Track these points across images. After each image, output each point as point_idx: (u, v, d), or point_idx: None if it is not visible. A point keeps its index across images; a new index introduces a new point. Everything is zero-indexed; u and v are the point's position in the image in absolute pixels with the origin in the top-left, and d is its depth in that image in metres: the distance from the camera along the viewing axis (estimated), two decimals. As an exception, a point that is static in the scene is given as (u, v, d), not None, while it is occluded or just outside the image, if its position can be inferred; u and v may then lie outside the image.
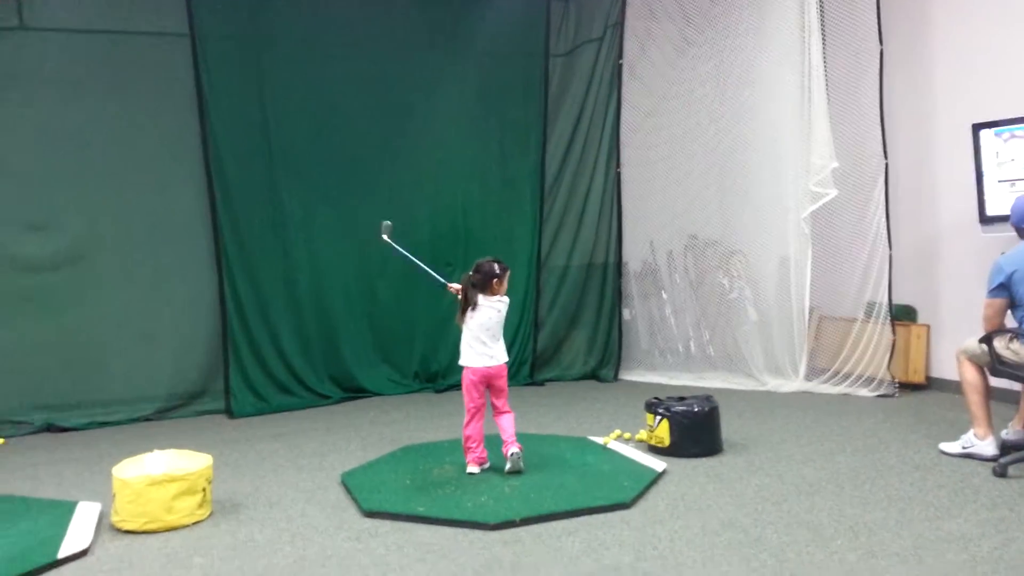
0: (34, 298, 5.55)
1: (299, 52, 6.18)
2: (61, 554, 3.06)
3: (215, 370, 5.96)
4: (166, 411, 5.79)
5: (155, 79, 5.82)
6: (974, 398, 4.01)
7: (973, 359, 4.04)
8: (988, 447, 3.94)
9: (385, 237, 4.39)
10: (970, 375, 4.03)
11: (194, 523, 3.43)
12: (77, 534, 3.28)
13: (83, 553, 3.13)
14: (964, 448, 4.02)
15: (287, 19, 6.15)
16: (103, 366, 5.70)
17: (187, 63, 5.83)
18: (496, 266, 4.05)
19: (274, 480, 4.10)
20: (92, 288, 5.67)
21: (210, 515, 3.53)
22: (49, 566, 2.99)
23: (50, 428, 5.46)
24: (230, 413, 5.81)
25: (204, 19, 5.85)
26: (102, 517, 3.53)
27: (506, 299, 4.07)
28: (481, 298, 4.00)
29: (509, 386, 4.14)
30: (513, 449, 3.95)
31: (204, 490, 3.50)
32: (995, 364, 3.88)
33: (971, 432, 4.02)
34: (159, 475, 3.35)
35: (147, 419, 5.70)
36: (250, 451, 4.74)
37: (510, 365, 6.17)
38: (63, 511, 3.58)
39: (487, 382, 4.02)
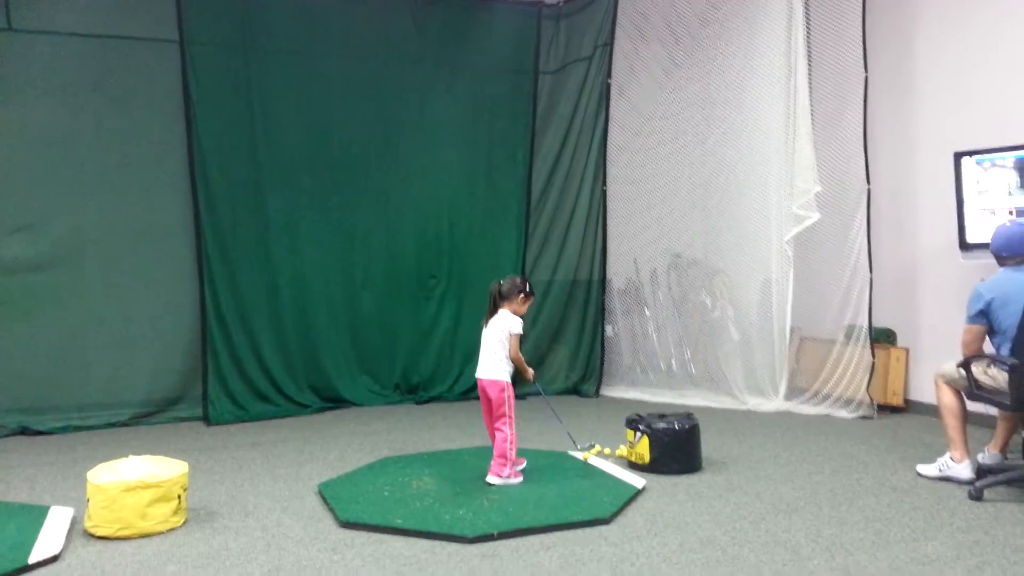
0: (13, 299, 5.49)
1: (288, 61, 6.19)
2: (32, 559, 3.01)
3: (193, 377, 5.91)
4: (143, 417, 5.73)
5: (143, 84, 5.80)
6: (951, 422, 4.03)
7: (951, 383, 4.07)
8: (964, 470, 3.97)
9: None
10: (947, 399, 4.06)
11: (168, 530, 3.39)
12: (49, 539, 3.24)
13: (54, 559, 3.08)
14: (941, 471, 4.05)
15: (277, 28, 6.16)
16: (80, 370, 5.64)
17: (175, 69, 5.83)
18: (528, 284, 4.21)
19: (250, 489, 4.07)
20: (72, 291, 5.62)
21: (185, 523, 3.50)
22: (19, 571, 2.94)
23: (24, 431, 5.39)
24: (207, 420, 5.76)
25: (194, 25, 5.85)
26: (75, 522, 3.49)
27: (516, 321, 4.12)
28: (501, 310, 4.15)
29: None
30: (487, 478, 4.04)
31: (179, 497, 3.46)
32: (972, 389, 3.91)
33: (948, 455, 4.05)
34: (134, 481, 3.32)
35: (123, 424, 5.63)
36: (227, 459, 4.70)
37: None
38: (35, 515, 3.53)
39: (483, 392, 4.13)
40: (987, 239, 4.47)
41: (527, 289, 4.19)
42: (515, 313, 4.14)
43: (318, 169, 6.29)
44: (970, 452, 4.02)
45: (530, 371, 4.26)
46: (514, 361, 4.13)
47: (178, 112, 5.85)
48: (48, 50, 5.56)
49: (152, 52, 5.81)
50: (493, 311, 4.16)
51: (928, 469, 4.12)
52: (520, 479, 4.06)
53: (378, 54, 6.48)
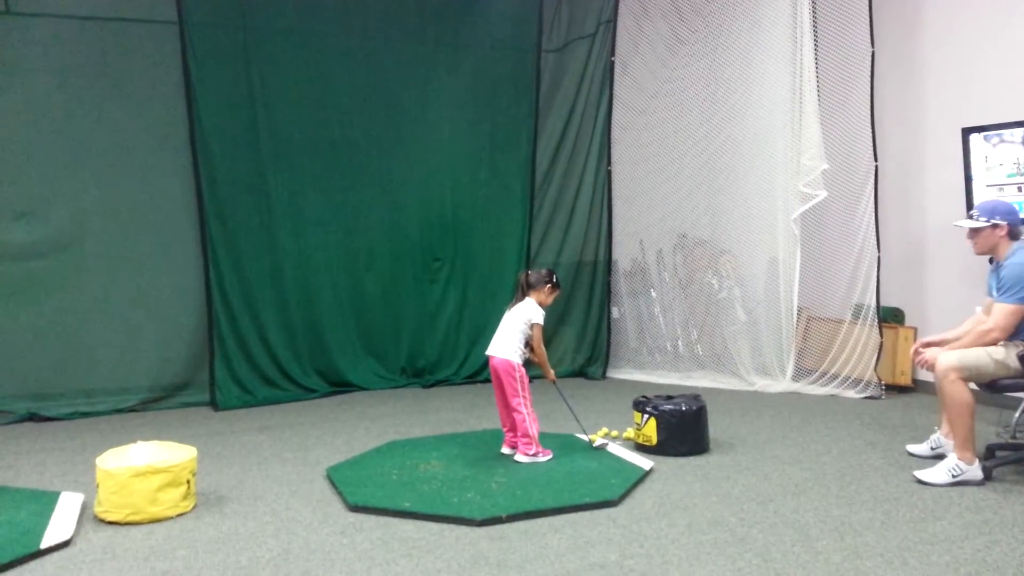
0: (18, 286, 5.49)
1: (289, 41, 6.14)
2: (43, 544, 3.03)
3: (200, 361, 5.92)
4: (150, 402, 5.75)
5: (143, 66, 5.76)
6: (967, 421, 3.62)
7: (974, 377, 3.67)
8: (977, 471, 3.66)
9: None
10: (965, 395, 3.62)
11: (178, 515, 3.41)
12: (60, 525, 3.25)
13: (66, 544, 3.09)
14: (954, 476, 3.65)
15: (277, 6, 6.10)
16: (87, 356, 5.65)
17: (175, 51, 5.79)
18: (554, 276, 4.28)
19: (259, 473, 4.08)
20: (77, 277, 5.62)
21: (194, 507, 3.51)
22: (31, 556, 2.96)
23: (33, 417, 5.41)
24: (215, 405, 5.77)
25: (193, 6, 5.80)
26: (85, 508, 3.50)
27: (538, 311, 4.19)
28: (528, 298, 4.22)
29: (495, 383, 4.21)
30: (516, 456, 4.13)
31: (188, 482, 3.47)
32: None
33: (956, 460, 3.67)
34: (143, 466, 3.32)
35: (131, 410, 5.66)
36: (235, 443, 4.71)
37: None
38: (45, 501, 3.54)
39: (493, 371, 4.19)
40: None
41: (553, 281, 4.25)
42: (540, 304, 4.21)
43: (320, 150, 6.26)
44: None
45: (551, 373, 4.31)
46: (538, 358, 4.20)
47: (178, 94, 5.81)
48: (47, 33, 5.52)
49: (151, 33, 5.77)
50: (520, 299, 4.22)
51: (936, 476, 3.69)
52: (549, 456, 4.11)
53: (379, 33, 6.42)
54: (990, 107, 5.18)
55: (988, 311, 3.91)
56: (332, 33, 6.27)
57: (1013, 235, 3.85)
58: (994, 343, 3.73)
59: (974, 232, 3.90)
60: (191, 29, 5.80)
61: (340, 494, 3.63)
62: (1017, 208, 3.97)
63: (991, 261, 3.96)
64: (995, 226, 3.83)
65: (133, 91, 5.74)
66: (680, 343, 6.84)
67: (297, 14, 6.17)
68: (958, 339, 3.87)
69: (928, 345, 3.96)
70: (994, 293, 3.82)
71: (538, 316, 4.17)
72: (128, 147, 5.74)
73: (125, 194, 5.73)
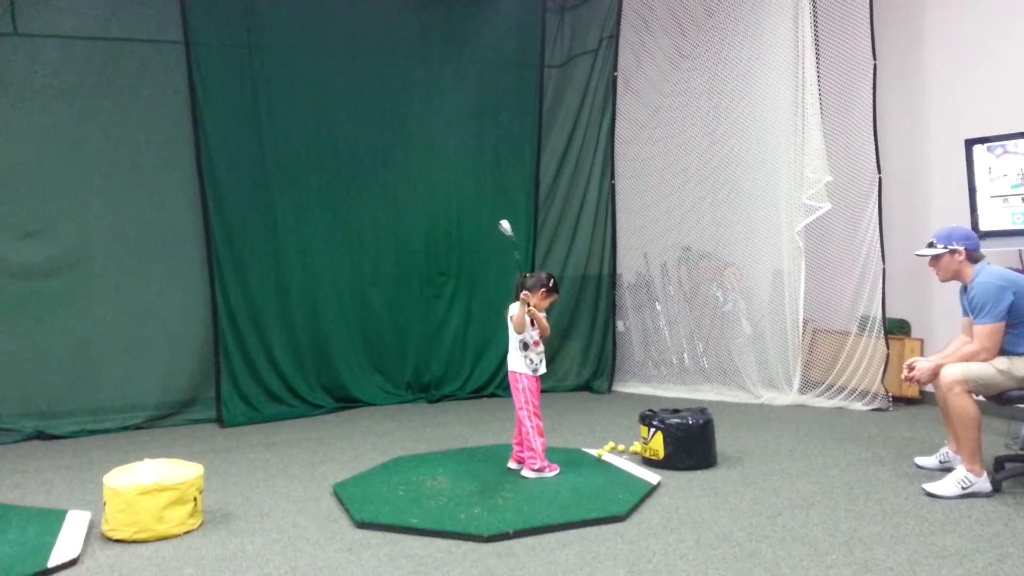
0: (25, 305, 5.52)
1: (294, 60, 6.19)
2: (51, 563, 3.03)
3: (206, 379, 5.93)
4: (157, 420, 5.76)
5: (149, 86, 5.81)
6: (974, 433, 3.63)
7: (981, 389, 3.69)
8: (986, 483, 3.68)
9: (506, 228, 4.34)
10: (972, 408, 3.63)
11: (185, 533, 3.40)
12: (67, 543, 3.25)
13: (73, 562, 3.09)
14: (964, 488, 3.65)
15: (282, 27, 6.15)
16: (94, 374, 5.66)
17: (181, 70, 5.83)
18: (552, 280, 4.21)
19: (265, 490, 4.08)
20: (84, 295, 5.65)
21: (201, 525, 3.51)
22: (39, 575, 2.96)
23: (40, 436, 5.42)
24: (221, 422, 5.77)
25: (199, 26, 5.85)
26: (92, 526, 3.50)
27: (512, 307, 4.14)
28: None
29: (501, 397, 4.17)
30: (522, 472, 4.12)
31: (195, 500, 3.47)
32: None
33: (964, 471, 3.66)
34: (150, 484, 3.32)
35: (138, 427, 5.66)
36: (241, 460, 4.71)
37: (503, 376, 6.19)
38: (53, 520, 3.54)
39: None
40: (1000, 227, 4.41)
41: (550, 284, 4.16)
42: (536, 307, 4.11)
43: (325, 167, 6.29)
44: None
45: (536, 314, 4.10)
46: (519, 324, 4.05)
47: (185, 113, 5.86)
48: (54, 54, 5.58)
49: (158, 54, 5.82)
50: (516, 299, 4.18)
51: (945, 488, 3.68)
52: (555, 471, 4.08)
53: (383, 51, 6.47)
54: (993, 118, 5.18)
55: (967, 331, 3.97)
56: (337, 52, 6.32)
57: (973, 259, 3.89)
58: (987, 358, 3.74)
59: (934, 260, 3.95)
60: (197, 49, 5.84)
61: (347, 510, 3.63)
62: (974, 233, 4.02)
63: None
64: (953, 251, 3.88)
65: (140, 110, 5.79)
66: (686, 356, 6.83)
67: (302, 33, 6.22)
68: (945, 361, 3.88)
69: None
70: (970, 315, 3.86)
71: (513, 309, 4.08)
72: (135, 166, 5.78)
73: (132, 213, 5.77)
